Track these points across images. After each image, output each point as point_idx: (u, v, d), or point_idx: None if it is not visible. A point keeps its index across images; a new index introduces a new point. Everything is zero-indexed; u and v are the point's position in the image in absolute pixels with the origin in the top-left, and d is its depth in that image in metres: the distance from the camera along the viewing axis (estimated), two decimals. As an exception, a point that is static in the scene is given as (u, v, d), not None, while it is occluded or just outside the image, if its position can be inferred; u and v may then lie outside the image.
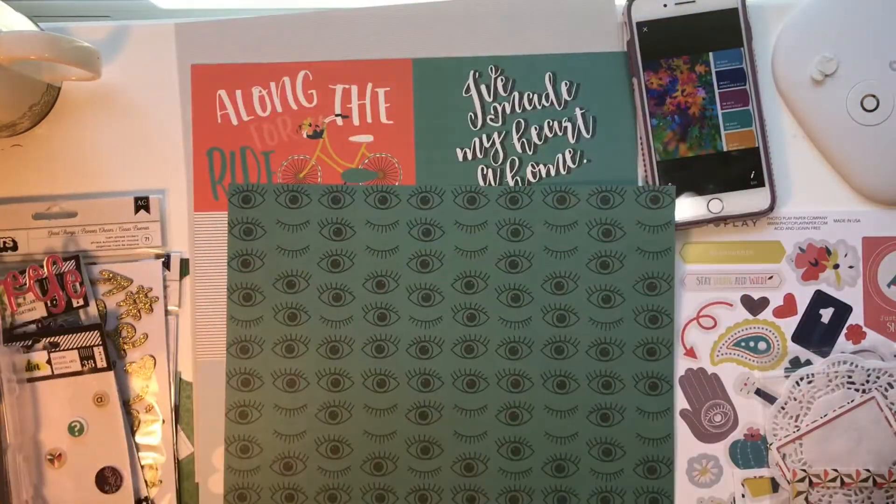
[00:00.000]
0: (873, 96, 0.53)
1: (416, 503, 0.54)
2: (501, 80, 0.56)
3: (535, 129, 0.56)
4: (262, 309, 0.54)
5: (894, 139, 0.54)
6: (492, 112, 0.56)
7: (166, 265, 0.55)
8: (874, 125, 0.54)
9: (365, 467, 0.54)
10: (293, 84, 0.56)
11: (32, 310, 0.54)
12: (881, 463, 0.54)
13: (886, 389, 0.54)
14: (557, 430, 0.54)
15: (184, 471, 0.55)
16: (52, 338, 0.54)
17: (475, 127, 0.56)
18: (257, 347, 0.54)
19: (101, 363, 0.54)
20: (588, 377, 0.54)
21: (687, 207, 0.54)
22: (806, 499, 0.54)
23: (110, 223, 0.55)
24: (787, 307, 0.55)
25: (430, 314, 0.54)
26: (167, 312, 0.55)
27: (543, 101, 0.56)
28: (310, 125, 0.56)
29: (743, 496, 0.55)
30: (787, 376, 0.55)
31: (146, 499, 0.55)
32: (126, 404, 0.55)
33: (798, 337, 0.55)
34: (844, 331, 0.55)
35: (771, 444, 0.54)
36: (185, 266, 0.56)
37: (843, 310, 0.55)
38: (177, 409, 0.55)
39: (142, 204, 0.55)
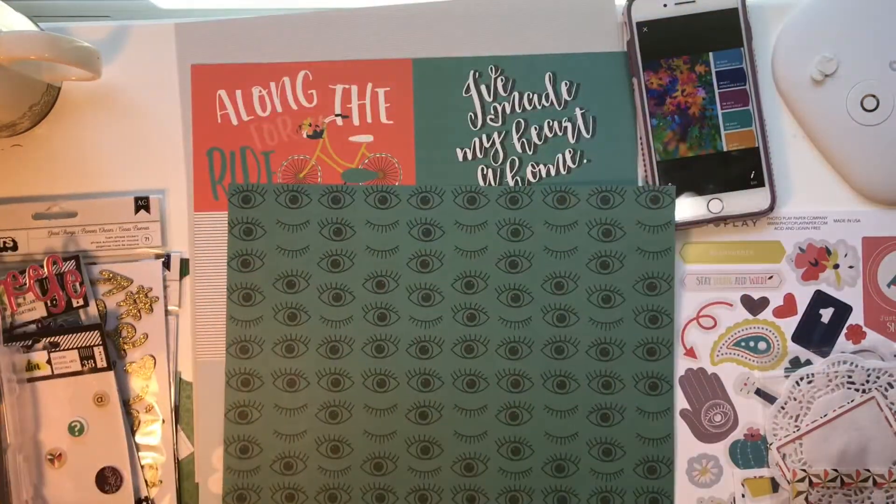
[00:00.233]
0: (873, 96, 0.53)
1: (416, 503, 0.54)
2: (501, 80, 0.56)
3: (535, 129, 0.56)
4: (262, 309, 0.54)
5: (894, 139, 0.54)
6: (492, 112, 0.56)
7: (166, 265, 0.55)
8: (874, 125, 0.54)
9: (365, 467, 0.54)
10: (293, 84, 0.56)
11: (32, 310, 0.54)
12: (881, 463, 0.54)
13: (886, 389, 0.54)
14: (557, 430, 0.54)
15: (184, 471, 0.55)
16: (52, 338, 0.54)
17: (475, 127, 0.56)
18: (257, 347, 0.54)
19: (101, 363, 0.54)
20: (588, 377, 0.54)
21: (687, 207, 0.54)
22: (806, 499, 0.54)
23: (110, 223, 0.55)
24: (787, 307, 0.55)
25: (430, 314, 0.54)
26: (167, 312, 0.55)
27: (543, 101, 0.56)
28: (310, 125, 0.56)
29: (743, 496, 0.55)
30: (787, 376, 0.55)
31: (146, 499, 0.55)
32: (126, 404, 0.55)
33: (798, 337, 0.55)
34: (844, 331, 0.55)
35: (771, 444, 0.54)
36: (185, 266, 0.56)
37: (843, 310, 0.55)
38: (177, 409, 0.55)
39: (142, 204, 0.55)
